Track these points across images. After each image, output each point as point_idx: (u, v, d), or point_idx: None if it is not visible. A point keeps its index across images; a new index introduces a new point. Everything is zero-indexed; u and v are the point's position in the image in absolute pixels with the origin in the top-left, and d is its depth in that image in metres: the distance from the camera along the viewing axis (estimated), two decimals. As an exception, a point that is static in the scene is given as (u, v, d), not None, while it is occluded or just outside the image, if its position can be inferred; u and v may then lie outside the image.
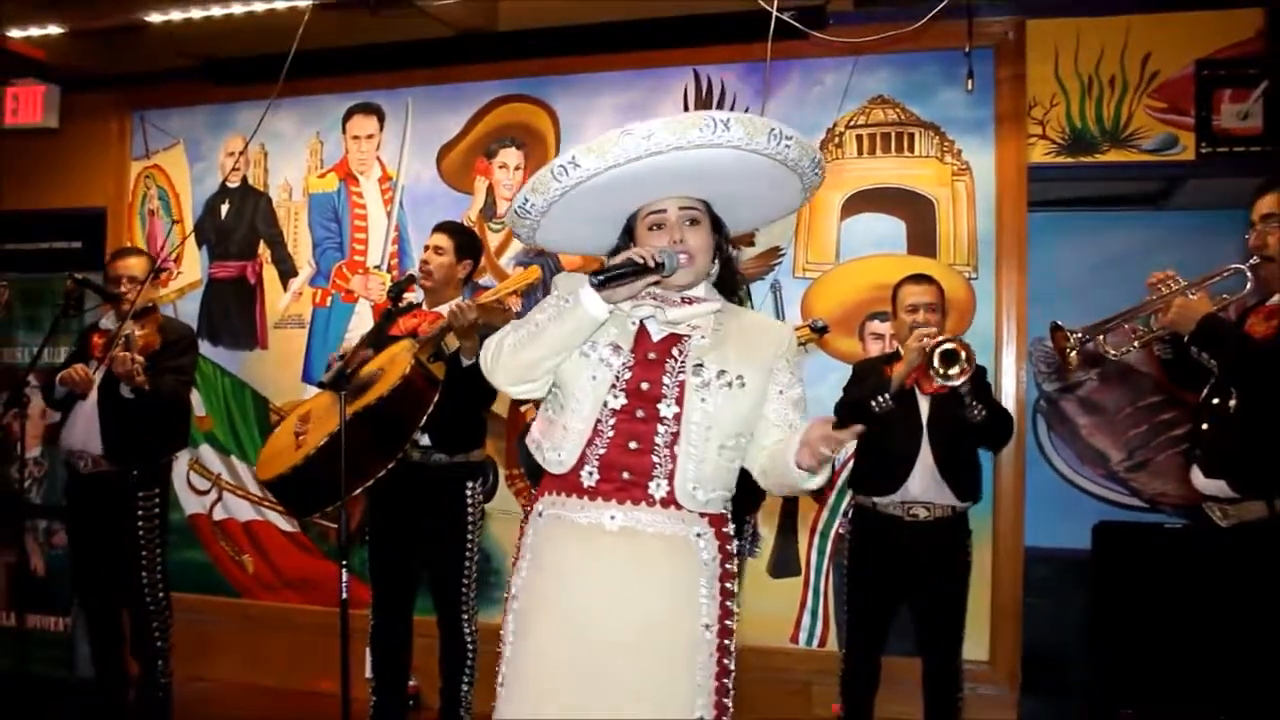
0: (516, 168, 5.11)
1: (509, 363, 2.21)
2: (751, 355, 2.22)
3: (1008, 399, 4.40)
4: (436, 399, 3.62)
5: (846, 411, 3.87)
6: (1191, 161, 4.36)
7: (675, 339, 2.22)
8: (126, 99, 5.76)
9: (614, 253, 2.30)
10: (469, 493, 3.88)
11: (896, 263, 4.46)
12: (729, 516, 2.26)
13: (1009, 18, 4.47)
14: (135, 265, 4.20)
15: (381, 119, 5.36)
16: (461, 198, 5.19)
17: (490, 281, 4.93)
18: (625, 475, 2.14)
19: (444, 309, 3.77)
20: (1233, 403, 3.05)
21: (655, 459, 2.14)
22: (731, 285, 2.36)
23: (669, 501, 2.15)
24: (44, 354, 4.44)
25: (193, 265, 5.63)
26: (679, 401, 2.15)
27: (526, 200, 2.17)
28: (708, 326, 2.23)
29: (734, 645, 2.21)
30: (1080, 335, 3.21)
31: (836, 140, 4.69)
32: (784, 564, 4.66)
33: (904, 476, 3.72)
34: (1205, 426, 3.15)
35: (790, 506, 4.66)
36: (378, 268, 5.31)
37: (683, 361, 2.18)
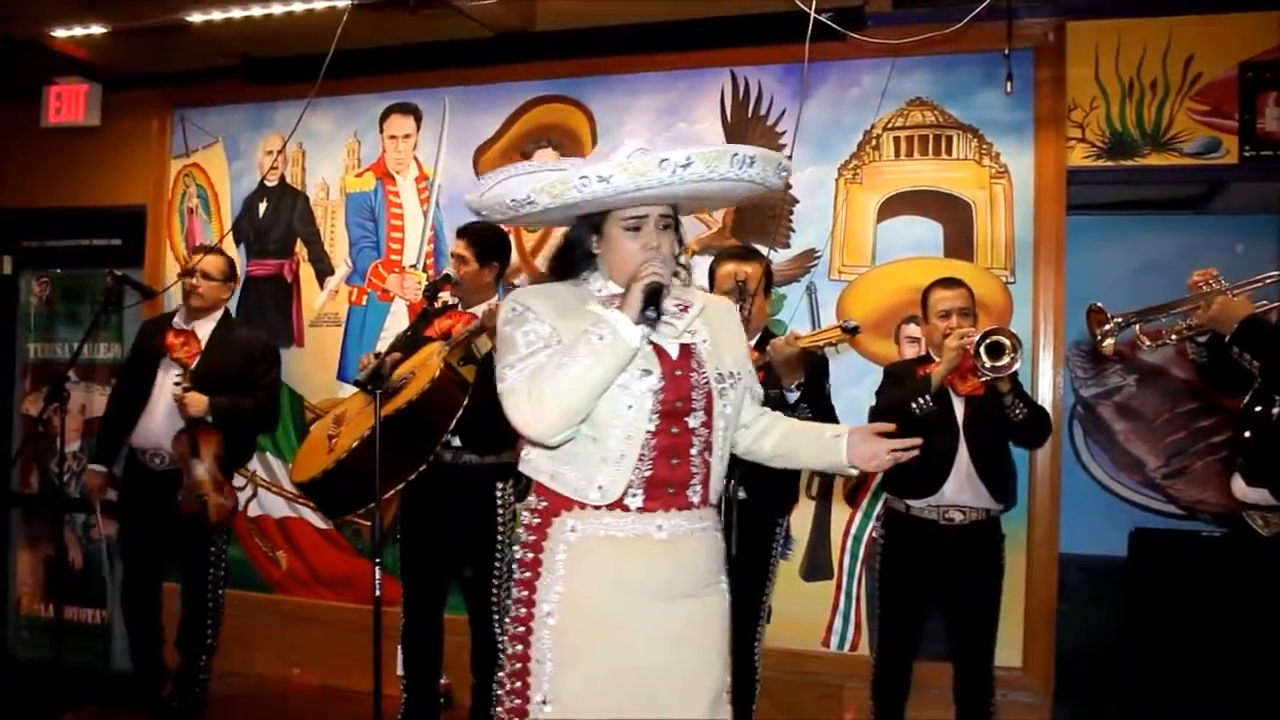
0: (553, 168, 5.09)
1: (557, 418, 2.11)
2: (735, 348, 2.35)
3: (1044, 404, 4.33)
4: (466, 401, 3.63)
5: (886, 416, 3.85)
6: (1234, 165, 4.28)
7: (686, 350, 2.25)
8: (167, 98, 5.81)
9: (568, 232, 2.34)
10: (499, 493, 3.89)
11: (933, 266, 4.41)
12: None
13: (1049, 19, 4.42)
14: (210, 263, 4.26)
15: (418, 119, 5.38)
16: (498, 198, 5.18)
17: (523, 282, 4.93)
18: (669, 490, 2.19)
19: (478, 310, 3.79)
20: (1275, 410, 3.02)
21: (693, 469, 2.21)
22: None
23: (704, 502, 2.24)
24: (84, 350, 4.48)
25: (230, 263, 5.66)
26: (705, 410, 2.21)
27: (530, 198, 2.16)
28: (702, 328, 2.29)
29: None
30: (1119, 319, 3.22)
31: (874, 142, 4.67)
32: (816, 567, 4.64)
33: (942, 478, 3.70)
34: (1247, 434, 3.12)
35: (823, 510, 4.65)
36: (414, 267, 5.33)
37: (704, 372, 2.23)
